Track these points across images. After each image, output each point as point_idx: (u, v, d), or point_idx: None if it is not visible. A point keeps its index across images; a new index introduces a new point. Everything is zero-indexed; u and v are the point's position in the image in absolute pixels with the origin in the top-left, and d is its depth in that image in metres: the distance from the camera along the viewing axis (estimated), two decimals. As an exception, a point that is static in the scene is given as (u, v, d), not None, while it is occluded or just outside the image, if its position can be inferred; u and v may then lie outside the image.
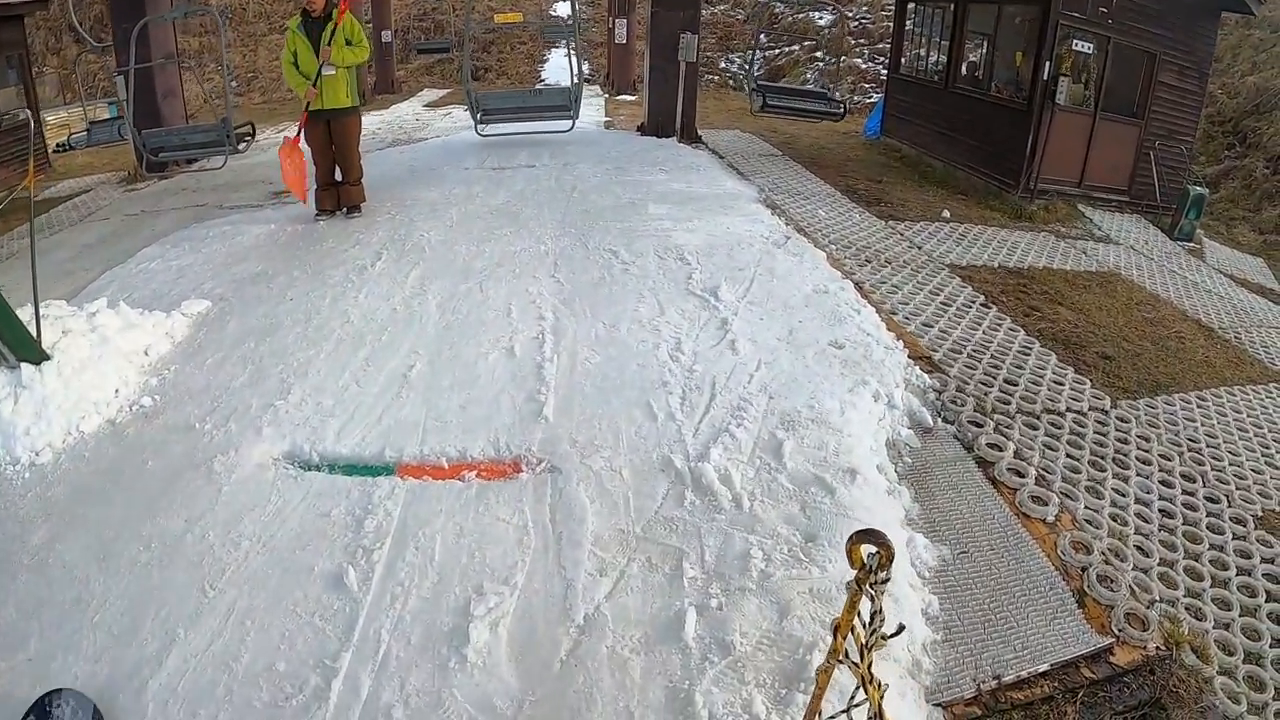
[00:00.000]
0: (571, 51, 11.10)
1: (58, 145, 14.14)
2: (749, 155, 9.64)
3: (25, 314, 4.44)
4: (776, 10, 22.35)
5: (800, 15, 21.87)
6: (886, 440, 3.65)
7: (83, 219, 9.28)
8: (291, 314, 5.03)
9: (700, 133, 10.44)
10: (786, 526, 3.05)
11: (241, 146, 7.91)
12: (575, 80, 10.01)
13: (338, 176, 7.06)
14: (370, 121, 15.97)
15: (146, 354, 4.70)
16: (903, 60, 12.24)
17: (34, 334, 4.22)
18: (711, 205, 6.95)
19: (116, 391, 4.33)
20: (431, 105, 19.45)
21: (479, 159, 9.43)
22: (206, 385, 4.28)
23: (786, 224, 6.46)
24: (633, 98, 17.46)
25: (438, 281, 5.34)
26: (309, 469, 3.43)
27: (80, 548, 3.18)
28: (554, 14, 26.25)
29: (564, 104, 9.97)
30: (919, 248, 6.57)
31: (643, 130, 10.70)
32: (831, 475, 3.27)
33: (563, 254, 5.72)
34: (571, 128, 10.18)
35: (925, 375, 4.22)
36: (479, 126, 9.98)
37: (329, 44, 6.44)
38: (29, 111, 5.50)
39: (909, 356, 4.34)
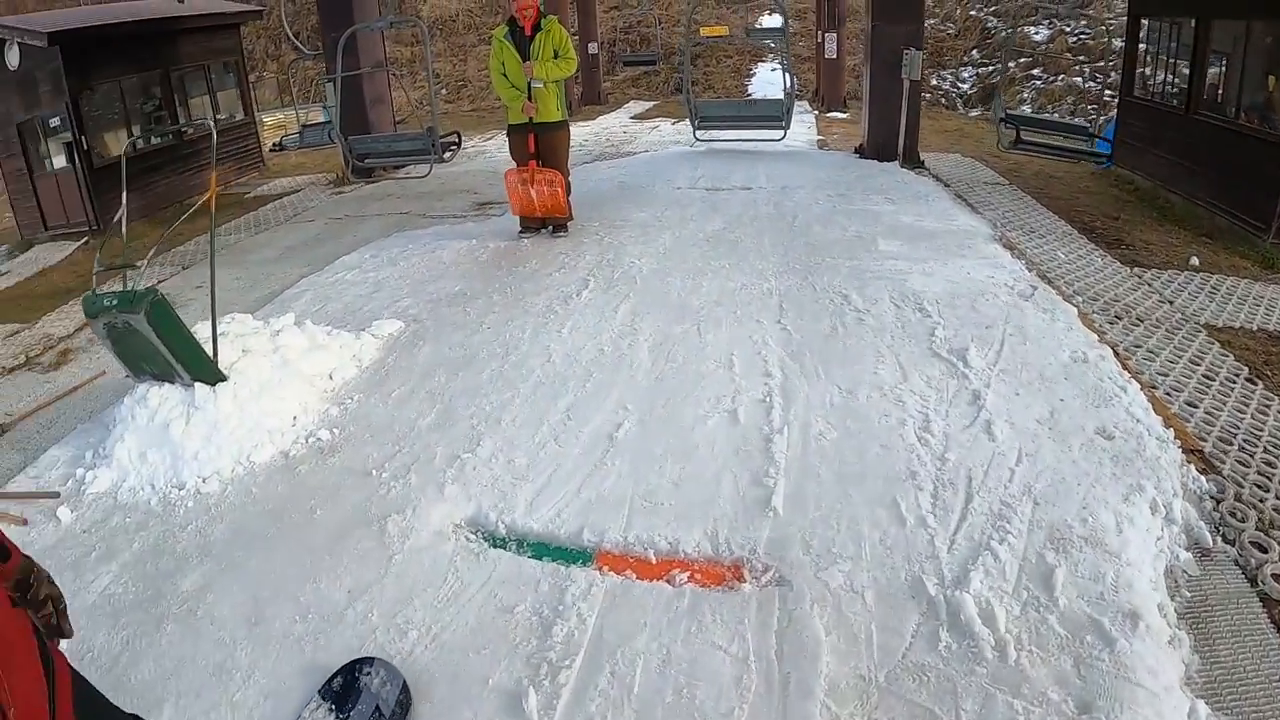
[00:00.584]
0: (781, 65, 12.41)
1: (273, 145, 15.44)
2: (974, 184, 8.91)
3: (220, 328, 4.49)
4: (989, 25, 21.96)
5: (1015, 30, 21.18)
6: (1165, 567, 2.88)
7: (290, 219, 9.84)
8: (488, 345, 4.86)
9: (921, 156, 9.94)
10: (1058, 690, 2.37)
11: (447, 155, 8.09)
12: (787, 92, 10.96)
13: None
14: (577, 133, 16.34)
15: (331, 378, 4.64)
16: (1136, 82, 10.98)
17: (211, 353, 4.21)
18: (946, 243, 6.33)
19: (294, 420, 4.25)
20: (638, 118, 19.84)
21: (691, 177, 9.28)
22: (390, 422, 4.12)
23: (1029, 269, 5.72)
24: (844, 115, 17.21)
25: (650, 319, 5.03)
26: (494, 544, 3.09)
27: (232, 603, 3.00)
28: (760, 26, 26.72)
29: (776, 115, 10.94)
30: (1170, 302, 5.64)
31: (861, 152, 10.41)
32: (1110, 619, 2.56)
33: (788, 295, 5.28)
34: (782, 138, 11.04)
35: (1201, 477, 3.37)
36: (696, 132, 11.38)
37: (537, 56, 6.48)
38: (212, 121, 5.66)
39: (1182, 451, 3.51)
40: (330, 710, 2.49)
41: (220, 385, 4.17)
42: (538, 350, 4.70)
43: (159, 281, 7.96)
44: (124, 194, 4.58)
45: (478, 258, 6.74)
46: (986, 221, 7.01)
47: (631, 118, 19.82)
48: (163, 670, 2.73)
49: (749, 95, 22.48)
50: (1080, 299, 5.20)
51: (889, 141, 9.80)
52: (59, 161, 12.62)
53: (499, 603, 2.78)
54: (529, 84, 6.53)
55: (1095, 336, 4.57)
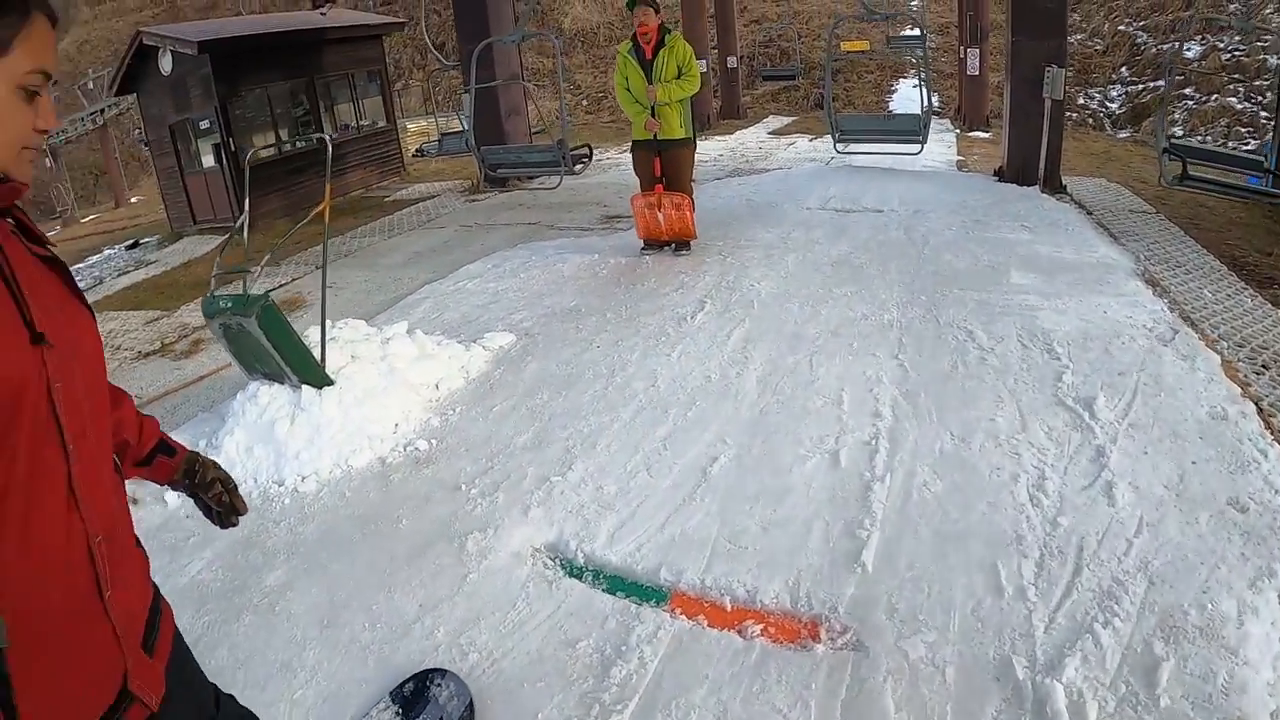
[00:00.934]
0: (921, 81, 12.69)
1: (415, 151, 16.31)
2: (1118, 211, 8.41)
3: (332, 333, 4.77)
4: (1138, 41, 21.37)
5: (1175, 46, 20.25)
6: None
7: (422, 224, 10.33)
8: (595, 366, 4.98)
9: (1064, 180, 9.51)
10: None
11: (578, 168, 8.32)
12: (925, 108, 11.42)
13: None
14: (713, 147, 16.53)
15: (437, 388, 4.86)
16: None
17: (319, 357, 4.47)
18: (1084, 277, 6.01)
19: (395, 427, 4.47)
20: (776, 133, 19.87)
21: (822, 197, 9.24)
22: (487, 438, 4.28)
23: (1170, 309, 5.32)
24: (986, 135, 16.88)
25: (762, 347, 5.03)
26: (570, 573, 3.16)
27: (309, 603, 3.20)
28: (900, 35, 26.76)
29: (914, 130, 11.31)
30: (1327, 353, 5.12)
31: (1000, 175, 10.14)
32: (1211, 731, 2.37)
33: (909, 328, 5.16)
34: (919, 152, 11.43)
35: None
36: (836, 145, 11.95)
37: (660, 74, 6.63)
38: (329, 136, 6.01)
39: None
40: (397, 714, 2.64)
41: (326, 389, 4.44)
42: (644, 373, 4.78)
43: (292, 280, 8.51)
44: (246, 200, 4.93)
45: (597, 273, 6.92)
46: (1129, 254, 6.63)
47: (769, 133, 19.87)
48: (235, 659, 2.94)
49: (888, 111, 22.45)
50: (1225, 345, 4.83)
51: (1029, 164, 9.50)
52: (208, 161, 13.84)
53: (563, 635, 2.84)
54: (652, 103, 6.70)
55: (1238, 390, 4.23)
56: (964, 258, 6.54)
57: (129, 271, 12.76)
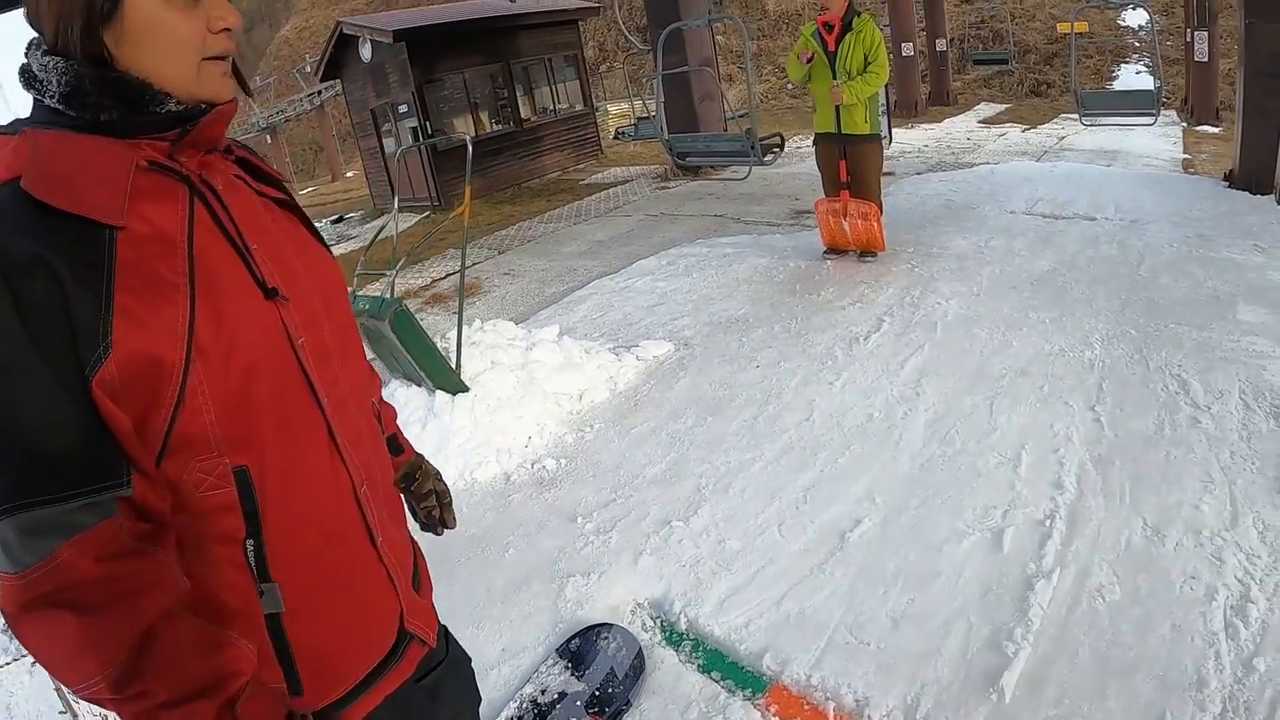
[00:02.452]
0: (1147, 68, 12.36)
1: (616, 133, 16.41)
2: None
3: (476, 335, 4.65)
4: None
5: None
6: None
7: (609, 211, 10.24)
8: (749, 389, 4.61)
9: None
10: None
11: (767, 159, 7.87)
12: (1157, 85, 11.36)
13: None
14: (917, 137, 15.52)
15: (579, 399, 4.66)
16: None
17: (455, 362, 4.35)
18: None
19: (529, 440, 4.31)
20: (986, 122, 18.52)
21: (1028, 199, 8.34)
22: (618, 464, 4.04)
23: None
24: (1216, 129, 14.95)
25: (938, 382, 4.43)
26: (667, 639, 2.85)
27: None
28: (1122, 23, 24.71)
29: (1148, 106, 11.23)
30: None
31: (1231, 180, 8.62)
32: None
33: (1112, 371, 4.35)
34: (1154, 122, 11.33)
35: None
36: (1082, 118, 12.10)
37: (845, 61, 6.10)
38: (467, 137, 5.85)
39: None
40: (566, 668, 2.76)
41: (460, 396, 4.33)
42: (800, 404, 4.35)
43: (472, 265, 8.58)
44: (394, 199, 4.87)
45: (773, 277, 6.51)
46: None
47: (979, 122, 18.58)
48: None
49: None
50: None
51: (1265, 169, 7.99)
52: (406, 142, 14.40)
53: (639, 716, 2.54)
54: (834, 79, 6.16)
55: None
56: (1184, 283, 5.58)
57: (333, 244, 13.48)
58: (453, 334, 4.76)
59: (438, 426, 4.22)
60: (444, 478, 1.67)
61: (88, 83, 1.04)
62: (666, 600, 3.04)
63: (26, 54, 1.09)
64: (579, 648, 2.82)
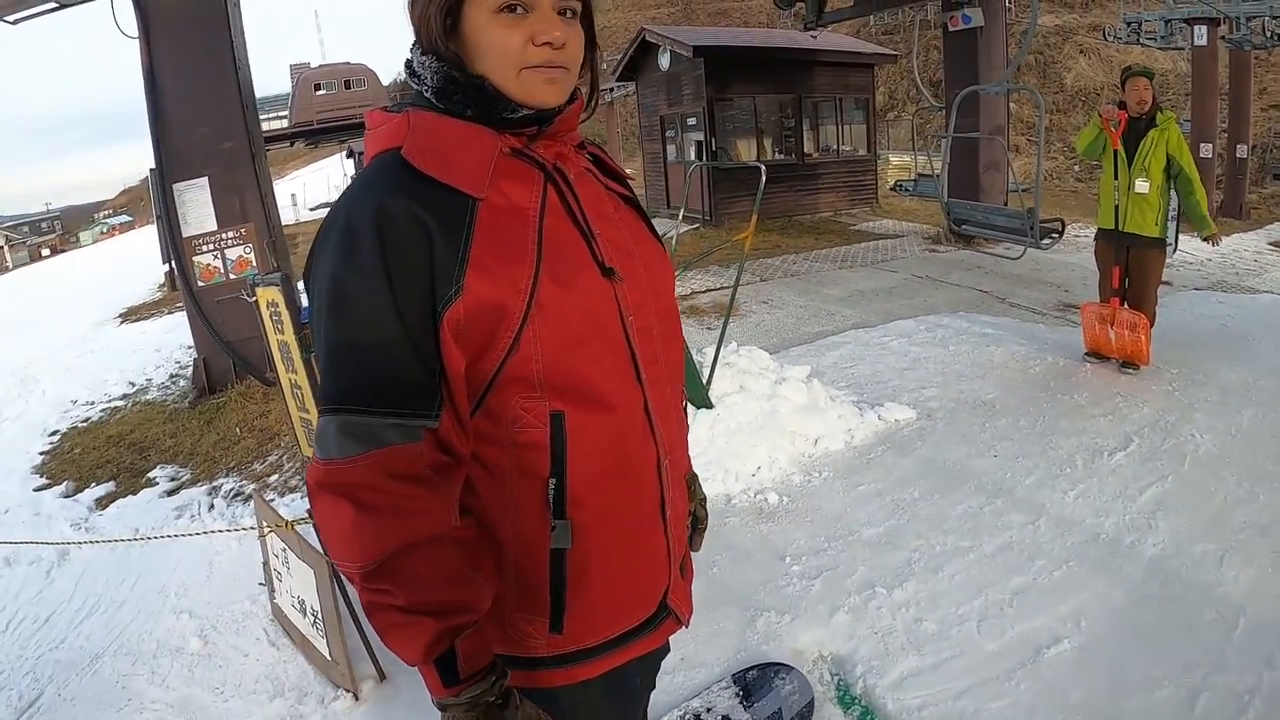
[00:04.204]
0: None
1: (893, 185, 16.20)
2: None
3: (730, 357, 4.82)
4: None
5: None
6: None
7: (876, 263, 10.18)
8: (982, 477, 4.51)
9: None
10: None
11: (1045, 243, 7.57)
12: None
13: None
14: (1199, 250, 13.99)
15: (815, 444, 4.74)
16: None
17: (706, 378, 4.55)
18: None
19: (758, 470, 4.45)
20: (1277, 245, 16.41)
21: None
22: (837, 515, 4.10)
23: None
24: None
25: (1174, 519, 4.06)
26: (840, 699, 2.90)
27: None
28: None
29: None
30: None
31: None
32: None
33: None
34: None
35: None
36: None
37: (1144, 161, 5.69)
38: (760, 164, 5.93)
39: None
40: (737, 695, 2.81)
41: (703, 410, 4.52)
42: (1030, 505, 4.20)
43: (742, 285, 8.78)
44: (681, 209, 5.08)
45: (1029, 368, 6.26)
46: None
47: (1269, 243, 16.53)
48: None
49: None
50: None
51: None
52: (689, 154, 14.85)
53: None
54: (1130, 185, 5.79)
55: None
56: None
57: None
58: (710, 349, 4.96)
59: (680, 440, 4.44)
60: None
61: (454, 84, 1.22)
62: (851, 660, 3.09)
63: (410, 49, 1.28)
64: (754, 680, 2.86)
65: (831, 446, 4.79)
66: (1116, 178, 5.91)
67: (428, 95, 1.25)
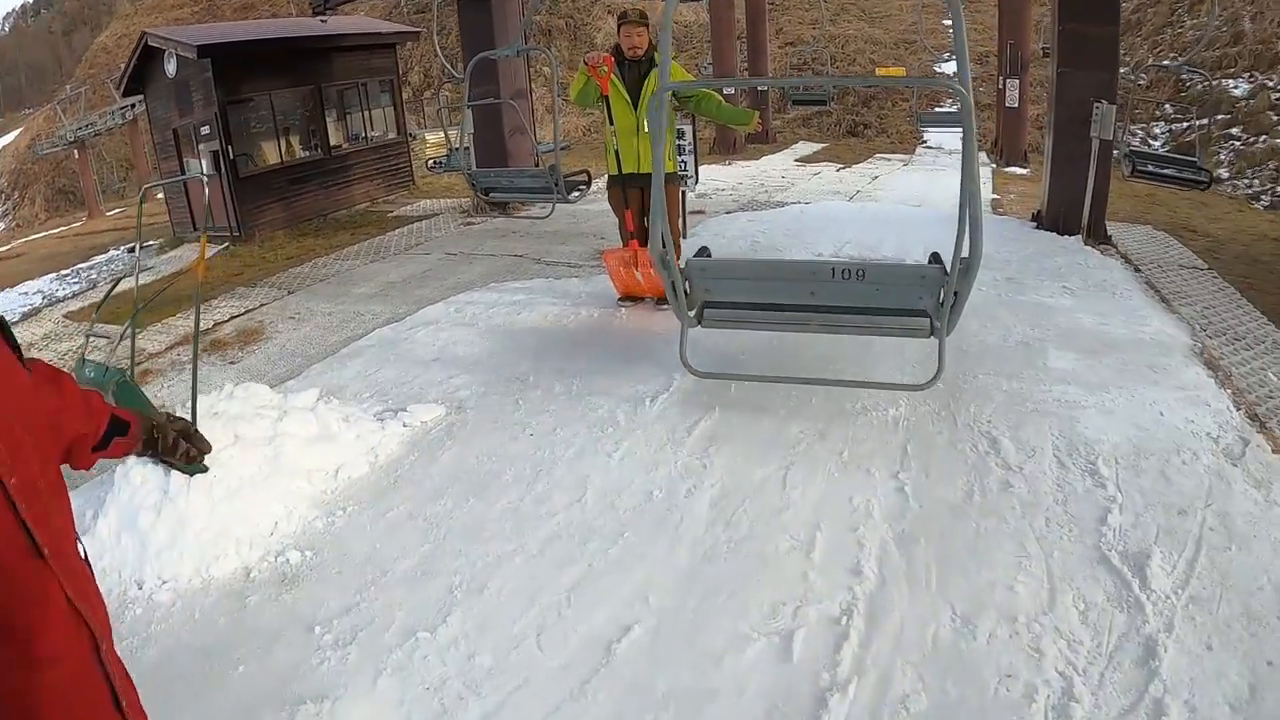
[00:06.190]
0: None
1: (429, 164, 15.80)
2: (1167, 266, 7.21)
3: (222, 404, 4.07)
4: (1183, 78, 21.05)
5: (1214, 83, 20.13)
6: None
7: (409, 248, 9.67)
8: (518, 463, 4.18)
9: (1108, 229, 8.48)
10: None
11: (573, 196, 7.56)
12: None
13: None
14: (733, 174, 15.64)
15: (335, 476, 4.13)
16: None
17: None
18: (1134, 360, 4.90)
19: (274, 526, 3.77)
20: (803, 160, 19.14)
21: (837, 241, 8.22)
22: (367, 557, 3.53)
23: (1236, 404, 4.28)
24: (1023, 171, 16.27)
25: (728, 451, 4.07)
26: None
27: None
28: (939, 71, 26.64)
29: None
30: None
31: (1039, 221, 8.96)
32: None
33: (918, 429, 4.13)
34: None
35: None
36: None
37: (647, 98, 5.73)
38: (203, 176, 5.34)
39: None
40: None
41: (198, 476, 3.71)
42: (573, 481, 3.95)
43: (260, 305, 7.85)
44: (138, 245, 4.23)
45: (563, 326, 6.13)
46: (1184, 325, 5.52)
47: (795, 160, 19.08)
48: None
49: (924, 143, 22.90)
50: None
51: (1072, 211, 8.36)
52: (207, 167, 13.24)
53: None
54: (639, 126, 5.80)
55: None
56: (993, 330, 5.46)
57: (125, 277, 12.22)
58: (214, 393, 4.19)
59: (173, 513, 3.58)
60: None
61: None
62: (406, 732, 2.61)
63: None
64: None
65: (355, 473, 4.17)
66: (613, 123, 5.87)
67: None
